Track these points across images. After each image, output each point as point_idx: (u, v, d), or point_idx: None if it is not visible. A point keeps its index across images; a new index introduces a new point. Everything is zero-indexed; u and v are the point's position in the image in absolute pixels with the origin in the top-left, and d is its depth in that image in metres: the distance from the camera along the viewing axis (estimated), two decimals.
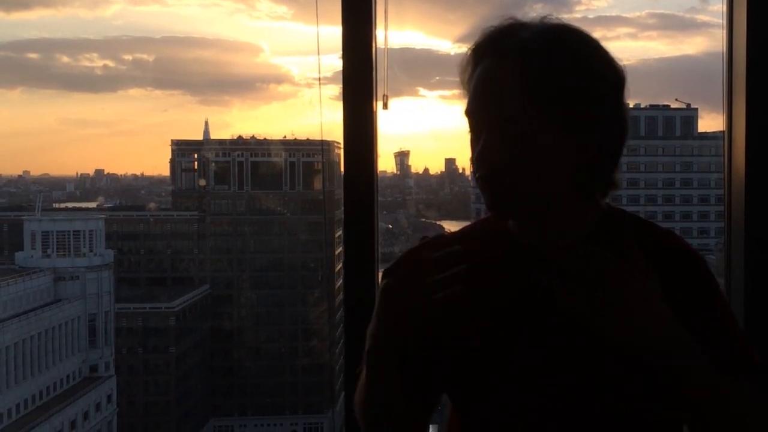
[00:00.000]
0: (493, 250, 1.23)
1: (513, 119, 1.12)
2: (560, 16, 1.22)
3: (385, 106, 2.20)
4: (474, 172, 1.17)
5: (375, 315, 1.15)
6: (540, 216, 1.19)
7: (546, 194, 1.16)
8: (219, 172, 54.22)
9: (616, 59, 1.18)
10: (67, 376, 41.85)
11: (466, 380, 1.21)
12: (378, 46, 2.14)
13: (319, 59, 2.61)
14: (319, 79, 2.91)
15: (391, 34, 2.24)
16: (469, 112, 1.17)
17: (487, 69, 1.15)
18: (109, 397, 43.54)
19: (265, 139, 56.87)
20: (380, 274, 1.19)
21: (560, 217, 1.20)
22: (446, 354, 1.22)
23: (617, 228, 1.19)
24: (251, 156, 54.17)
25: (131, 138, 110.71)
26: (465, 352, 1.20)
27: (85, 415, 41.25)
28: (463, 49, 1.23)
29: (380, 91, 2.15)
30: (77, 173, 74.41)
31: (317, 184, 52.84)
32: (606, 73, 1.15)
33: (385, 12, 2.19)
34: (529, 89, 1.11)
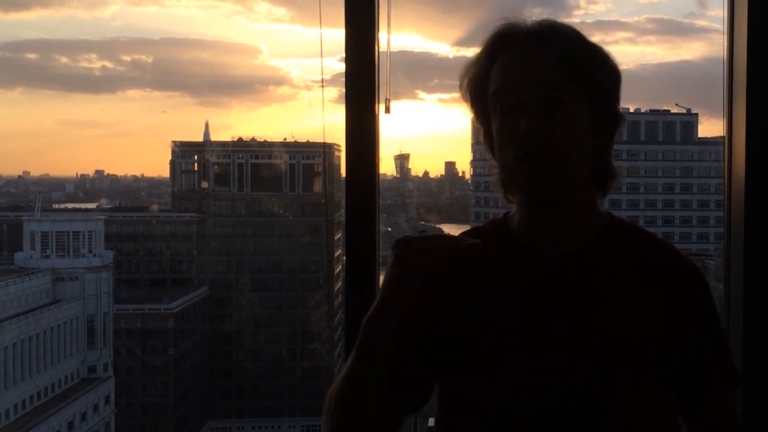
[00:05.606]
0: (499, 252, 1.24)
1: (560, 86, 1.15)
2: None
3: (387, 110, 2.20)
4: (515, 150, 1.16)
5: (383, 287, 1.15)
6: (566, 205, 1.21)
7: (578, 177, 1.19)
8: (219, 173, 54.11)
9: None
10: (66, 377, 41.75)
11: (464, 375, 1.22)
12: (379, 49, 2.14)
13: (322, 62, 2.61)
14: (322, 81, 2.91)
15: (391, 37, 2.25)
16: (505, 89, 1.17)
17: (520, 52, 1.17)
18: (107, 398, 43.43)
19: (265, 141, 56.73)
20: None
21: (573, 216, 1.22)
22: (445, 348, 1.22)
23: (621, 238, 1.25)
24: (251, 158, 54.08)
25: (131, 139, 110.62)
26: (467, 349, 1.20)
27: (83, 416, 41.14)
28: (462, 52, 1.25)
29: (382, 94, 2.15)
30: (77, 174, 74.25)
31: (317, 187, 52.73)
32: (617, 68, 1.22)
33: (388, 15, 2.19)
34: (567, 68, 1.15)
